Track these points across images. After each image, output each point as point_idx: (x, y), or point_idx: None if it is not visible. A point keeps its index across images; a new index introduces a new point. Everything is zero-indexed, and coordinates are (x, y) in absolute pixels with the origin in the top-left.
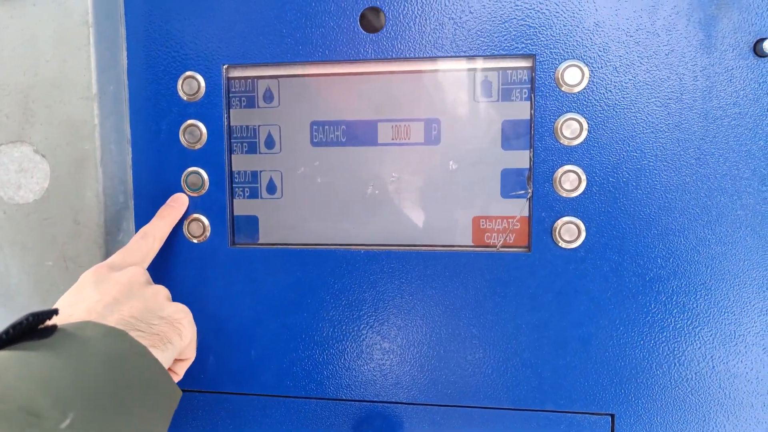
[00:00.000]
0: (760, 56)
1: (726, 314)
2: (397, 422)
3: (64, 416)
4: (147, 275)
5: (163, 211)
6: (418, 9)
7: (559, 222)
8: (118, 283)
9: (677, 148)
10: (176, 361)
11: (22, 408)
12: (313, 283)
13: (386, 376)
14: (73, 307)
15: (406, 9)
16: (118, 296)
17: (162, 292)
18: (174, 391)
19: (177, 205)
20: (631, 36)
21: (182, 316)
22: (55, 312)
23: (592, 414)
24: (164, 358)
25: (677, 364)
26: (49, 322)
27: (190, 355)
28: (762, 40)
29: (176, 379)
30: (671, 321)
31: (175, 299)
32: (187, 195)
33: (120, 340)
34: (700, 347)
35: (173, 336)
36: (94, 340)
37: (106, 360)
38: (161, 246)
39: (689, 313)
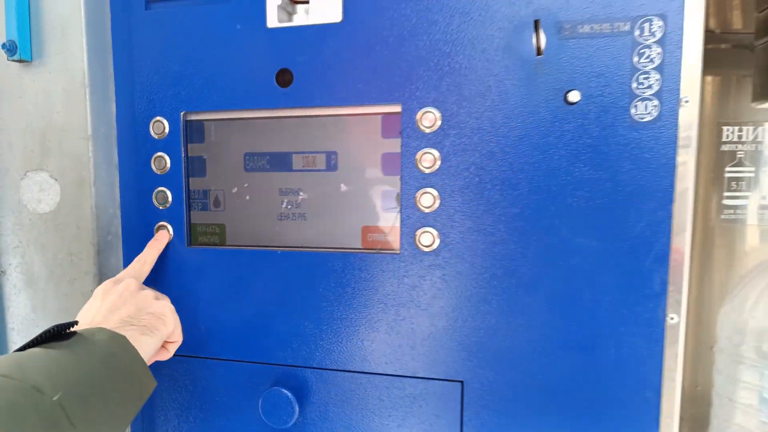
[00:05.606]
0: (569, 104)
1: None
2: (299, 379)
3: (56, 393)
4: (139, 284)
5: (151, 243)
6: (319, 70)
7: (419, 231)
8: (116, 293)
9: (511, 175)
10: (167, 342)
11: (33, 386)
12: (243, 274)
13: (300, 347)
14: (86, 314)
15: (309, 70)
16: (116, 303)
17: (150, 294)
18: (150, 381)
19: (160, 239)
20: (474, 87)
21: (165, 311)
22: (75, 323)
23: (445, 380)
24: (154, 342)
25: (512, 338)
26: (73, 329)
27: (178, 338)
28: (570, 91)
29: (167, 356)
30: (506, 308)
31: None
32: (166, 231)
33: (119, 342)
34: (529, 326)
35: (159, 325)
36: (101, 342)
37: (104, 357)
38: (152, 267)
39: (521, 303)
